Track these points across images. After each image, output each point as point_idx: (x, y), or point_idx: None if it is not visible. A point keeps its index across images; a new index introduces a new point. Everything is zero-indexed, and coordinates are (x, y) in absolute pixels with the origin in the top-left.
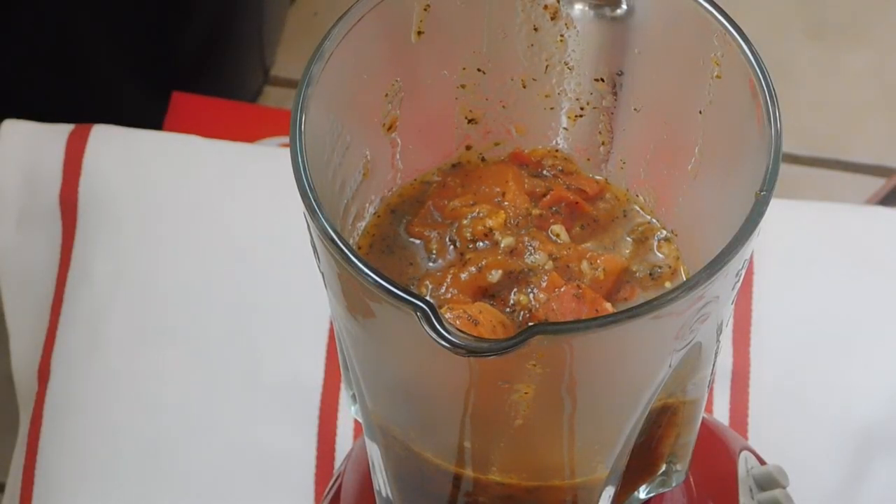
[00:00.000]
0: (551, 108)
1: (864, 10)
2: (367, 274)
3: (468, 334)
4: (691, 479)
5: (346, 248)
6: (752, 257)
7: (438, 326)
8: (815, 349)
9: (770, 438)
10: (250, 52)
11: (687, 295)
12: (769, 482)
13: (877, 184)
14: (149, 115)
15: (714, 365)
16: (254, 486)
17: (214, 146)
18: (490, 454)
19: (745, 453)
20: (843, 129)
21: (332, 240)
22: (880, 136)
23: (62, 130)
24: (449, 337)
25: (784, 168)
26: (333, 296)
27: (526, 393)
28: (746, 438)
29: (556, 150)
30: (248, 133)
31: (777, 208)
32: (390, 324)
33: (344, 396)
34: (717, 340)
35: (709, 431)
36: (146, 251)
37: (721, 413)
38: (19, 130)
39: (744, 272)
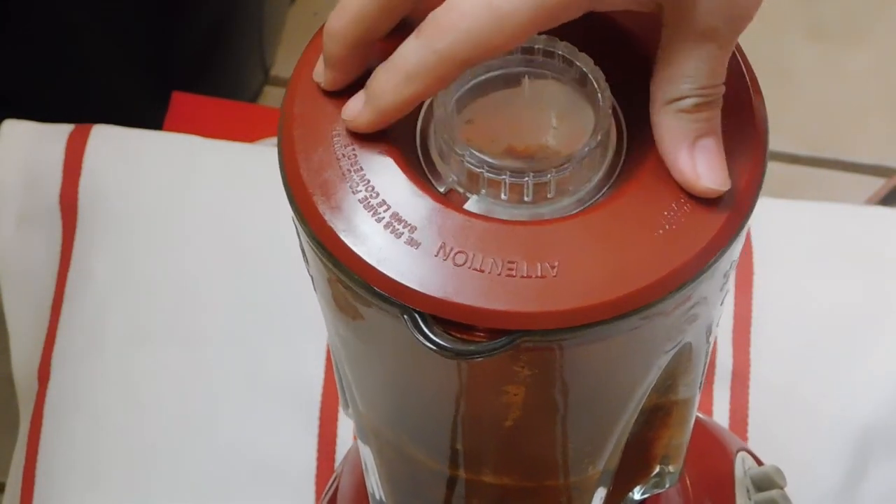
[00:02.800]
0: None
1: (864, 10)
2: (354, 277)
3: (456, 337)
4: (687, 480)
5: (334, 250)
6: (751, 257)
7: (426, 329)
8: (815, 349)
9: (770, 438)
10: (250, 52)
11: (674, 296)
12: (767, 483)
13: (877, 184)
14: (149, 115)
15: (705, 365)
16: (254, 487)
17: (214, 146)
18: (481, 456)
19: (742, 454)
20: (843, 129)
21: (320, 243)
22: (880, 136)
23: (62, 130)
24: (436, 340)
25: (784, 168)
26: (322, 298)
27: (515, 395)
28: (746, 438)
29: (546, 146)
30: (248, 133)
31: (777, 208)
32: (379, 327)
33: (339, 392)
34: (707, 341)
35: (705, 432)
36: (146, 251)
37: (721, 413)
38: (19, 130)
39: (732, 273)
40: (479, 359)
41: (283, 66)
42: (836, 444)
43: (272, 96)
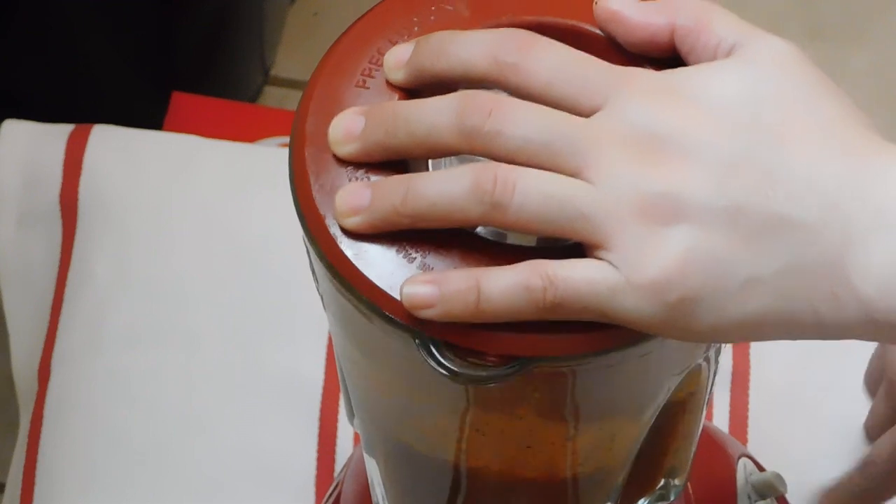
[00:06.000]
0: None
1: (864, 10)
2: (366, 301)
3: (468, 362)
4: (690, 487)
5: (346, 274)
6: None
7: (437, 354)
8: (814, 350)
9: (770, 440)
10: (250, 52)
11: None
12: (768, 489)
13: None
14: (149, 115)
15: (713, 382)
16: (254, 488)
17: (214, 146)
18: (489, 473)
19: (743, 460)
20: None
21: (332, 266)
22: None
23: (62, 130)
24: (448, 365)
25: None
26: (332, 318)
27: (523, 417)
28: (746, 440)
29: None
30: (248, 133)
31: None
32: (389, 349)
33: (343, 404)
34: (716, 360)
35: (708, 438)
36: (146, 251)
37: (721, 414)
38: (19, 130)
39: None
40: (491, 384)
41: (283, 66)
42: (835, 446)
43: (272, 96)
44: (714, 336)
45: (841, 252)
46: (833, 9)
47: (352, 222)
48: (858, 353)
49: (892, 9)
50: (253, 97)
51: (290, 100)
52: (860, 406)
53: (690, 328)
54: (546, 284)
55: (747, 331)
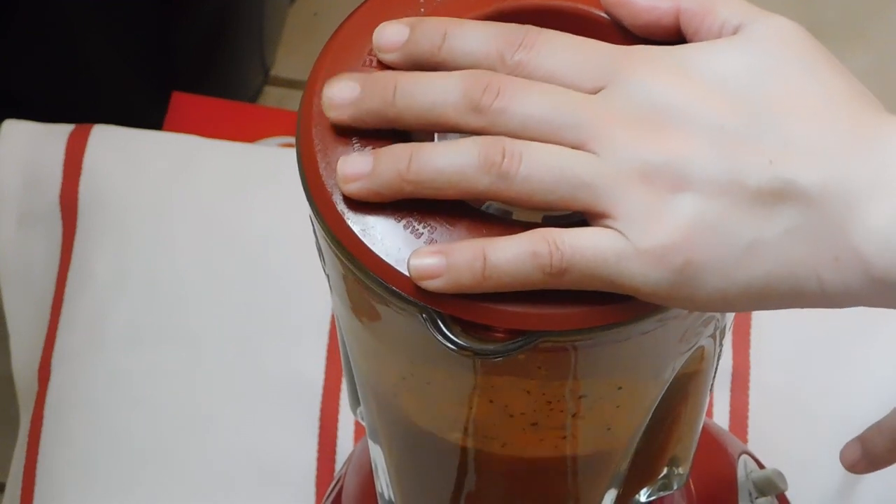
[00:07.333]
0: None
1: (864, 10)
2: (373, 277)
3: (475, 337)
4: (691, 483)
5: (353, 250)
6: None
7: (445, 329)
8: (814, 350)
9: (770, 439)
10: (250, 52)
11: None
12: (769, 486)
13: None
14: (149, 115)
15: (716, 368)
16: (254, 487)
17: (214, 146)
18: (494, 454)
19: (744, 457)
20: None
21: (339, 242)
22: None
23: (62, 130)
24: (455, 339)
25: None
26: (338, 297)
27: (529, 394)
28: (746, 440)
29: None
30: (248, 133)
31: None
32: (396, 326)
33: (345, 398)
34: (720, 344)
35: (709, 436)
36: (146, 251)
37: (721, 414)
38: (19, 130)
39: None
40: (498, 359)
41: (283, 66)
42: (835, 445)
43: (272, 96)
44: (720, 304)
45: (843, 217)
46: (833, 9)
47: (353, 188)
48: (858, 353)
49: (892, 9)
50: (253, 97)
51: (290, 100)
52: (860, 406)
53: (696, 295)
54: (552, 250)
55: (752, 298)
